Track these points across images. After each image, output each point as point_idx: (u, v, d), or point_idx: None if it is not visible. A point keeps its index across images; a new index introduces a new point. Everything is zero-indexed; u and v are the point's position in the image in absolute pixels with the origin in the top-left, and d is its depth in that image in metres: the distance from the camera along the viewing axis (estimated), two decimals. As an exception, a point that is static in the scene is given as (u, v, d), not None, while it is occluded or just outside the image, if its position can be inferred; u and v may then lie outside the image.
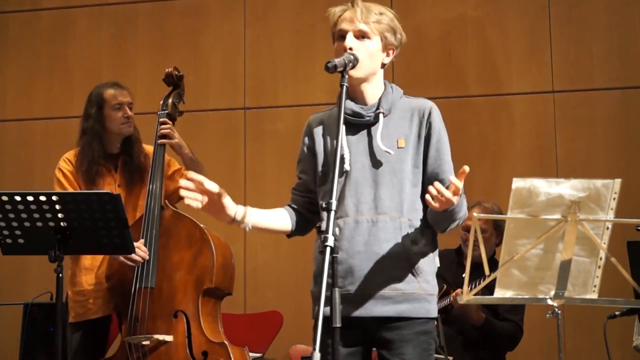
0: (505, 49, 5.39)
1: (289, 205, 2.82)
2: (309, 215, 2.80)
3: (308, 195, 2.79)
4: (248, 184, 5.56)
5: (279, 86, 5.61)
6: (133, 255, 3.54)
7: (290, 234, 2.82)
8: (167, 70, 3.99)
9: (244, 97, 5.57)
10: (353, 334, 2.60)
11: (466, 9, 5.45)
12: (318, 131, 2.78)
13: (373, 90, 2.73)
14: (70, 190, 3.73)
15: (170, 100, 3.94)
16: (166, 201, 3.79)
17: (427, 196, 2.48)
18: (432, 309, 2.66)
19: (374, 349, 2.71)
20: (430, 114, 2.70)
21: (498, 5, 5.43)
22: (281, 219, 2.75)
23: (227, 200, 2.57)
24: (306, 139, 2.82)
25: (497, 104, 5.36)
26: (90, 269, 3.78)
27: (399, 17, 2.78)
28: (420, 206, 2.68)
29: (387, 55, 2.73)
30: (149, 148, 3.94)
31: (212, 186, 2.53)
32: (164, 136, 3.84)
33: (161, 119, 3.87)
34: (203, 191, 2.53)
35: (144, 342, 3.57)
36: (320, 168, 2.75)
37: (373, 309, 2.60)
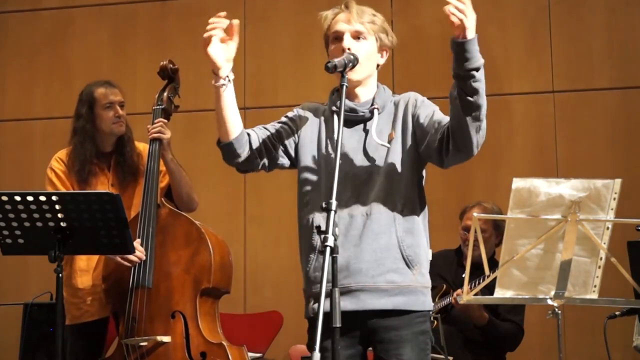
0: (505, 49, 5.38)
1: (255, 133, 2.76)
2: (254, 157, 2.73)
3: (267, 146, 2.74)
4: (248, 184, 5.56)
5: (279, 86, 5.61)
6: (129, 256, 3.52)
7: (227, 146, 2.71)
8: (161, 63, 3.92)
9: (244, 97, 5.57)
10: (351, 335, 2.61)
11: (466, 9, 5.44)
12: (312, 119, 2.78)
13: (367, 92, 2.74)
14: (63, 190, 3.70)
15: (165, 95, 3.88)
16: (162, 199, 3.77)
17: (448, 9, 2.37)
18: (427, 302, 2.67)
19: (369, 349, 2.71)
20: (414, 99, 2.71)
21: (498, 5, 5.43)
22: (236, 121, 2.74)
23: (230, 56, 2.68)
24: (297, 116, 2.80)
25: (497, 104, 5.36)
26: (85, 270, 3.75)
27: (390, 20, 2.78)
28: (414, 195, 2.68)
29: (382, 56, 2.74)
30: (142, 146, 3.92)
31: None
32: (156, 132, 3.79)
33: (155, 120, 3.83)
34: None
35: (141, 344, 3.55)
36: (307, 155, 2.73)
37: (369, 302, 2.61)
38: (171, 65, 3.93)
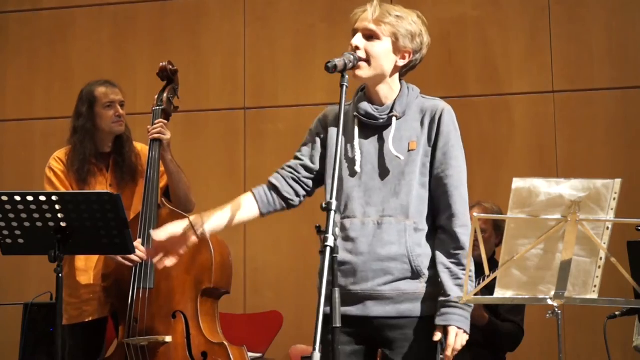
0: (505, 49, 5.38)
1: (266, 185, 2.80)
2: (286, 191, 2.78)
3: (297, 173, 2.80)
4: (248, 184, 5.55)
5: (279, 86, 5.61)
6: (131, 256, 3.52)
7: (262, 215, 2.80)
8: (161, 64, 3.92)
9: (244, 97, 5.57)
10: (356, 333, 2.62)
11: (466, 9, 5.45)
12: (333, 126, 2.77)
13: (387, 92, 2.73)
14: (62, 189, 3.70)
15: (165, 95, 3.88)
16: (163, 200, 3.77)
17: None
18: (434, 306, 2.65)
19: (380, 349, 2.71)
20: (441, 115, 2.70)
21: (498, 5, 5.43)
22: (240, 212, 2.73)
23: (182, 230, 2.62)
24: (319, 129, 2.81)
25: (497, 104, 5.36)
26: (84, 270, 3.75)
27: (425, 21, 2.77)
28: (426, 209, 2.68)
29: (403, 57, 2.72)
30: (140, 147, 3.91)
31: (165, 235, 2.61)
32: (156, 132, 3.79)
33: (155, 121, 3.82)
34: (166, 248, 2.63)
35: (142, 344, 3.56)
36: (330, 162, 2.73)
37: (375, 309, 2.62)
38: (170, 67, 3.93)
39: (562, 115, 5.26)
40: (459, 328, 2.58)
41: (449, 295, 2.59)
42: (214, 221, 2.67)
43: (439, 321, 2.59)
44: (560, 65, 5.29)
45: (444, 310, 2.59)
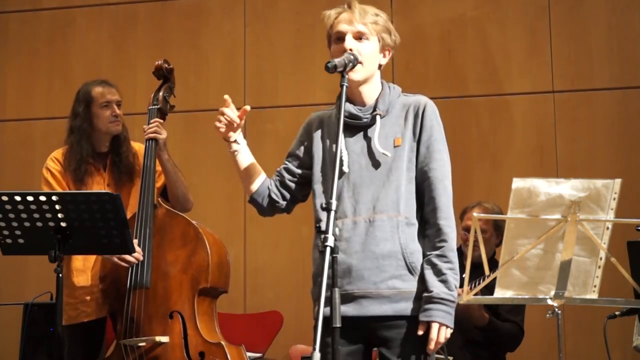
0: (505, 49, 5.38)
1: (272, 180, 2.88)
2: (274, 192, 2.87)
3: (281, 177, 2.87)
4: (248, 184, 5.55)
5: (279, 86, 5.61)
6: (127, 256, 3.51)
7: (250, 200, 2.89)
8: (156, 63, 3.91)
9: (244, 97, 5.56)
10: (353, 333, 2.61)
11: (466, 9, 5.45)
12: (317, 132, 2.80)
13: (370, 91, 2.74)
14: (59, 190, 3.70)
15: (161, 94, 3.87)
16: (159, 199, 3.76)
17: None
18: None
19: (375, 348, 2.71)
20: (424, 110, 2.71)
21: (498, 5, 5.43)
22: (256, 177, 2.86)
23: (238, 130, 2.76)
24: (304, 137, 2.85)
25: (497, 104, 5.36)
26: (82, 270, 3.74)
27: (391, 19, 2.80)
28: (415, 203, 2.68)
29: (384, 56, 2.76)
30: (137, 146, 3.91)
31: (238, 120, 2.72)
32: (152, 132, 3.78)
33: (151, 120, 3.82)
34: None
35: (140, 344, 3.55)
36: (317, 167, 2.76)
37: (371, 308, 2.61)
38: (166, 65, 3.93)
39: (562, 115, 5.26)
40: (441, 324, 2.58)
41: (431, 291, 2.59)
42: (246, 151, 2.82)
43: (422, 317, 2.59)
44: (560, 65, 5.29)
45: (426, 306, 2.59)
